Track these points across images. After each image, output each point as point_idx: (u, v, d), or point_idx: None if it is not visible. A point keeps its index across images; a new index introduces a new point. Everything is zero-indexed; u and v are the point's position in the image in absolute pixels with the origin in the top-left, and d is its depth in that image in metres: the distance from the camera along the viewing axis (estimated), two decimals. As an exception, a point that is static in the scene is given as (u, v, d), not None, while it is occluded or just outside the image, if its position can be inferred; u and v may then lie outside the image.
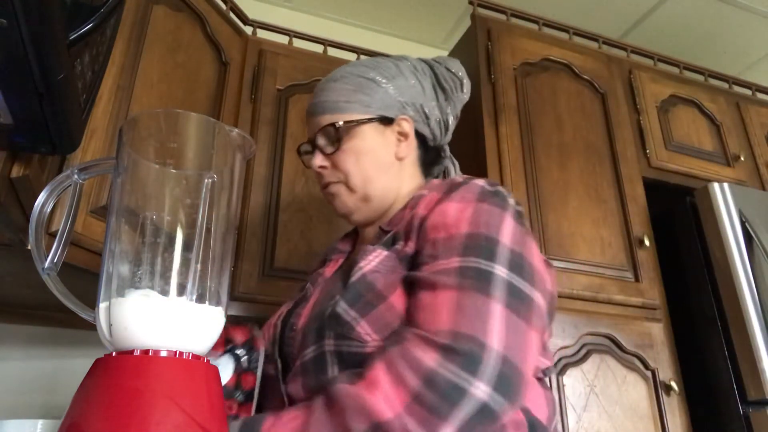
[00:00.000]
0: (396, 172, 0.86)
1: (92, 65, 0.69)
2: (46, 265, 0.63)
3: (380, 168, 0.85)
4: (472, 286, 0.62)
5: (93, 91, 0.76)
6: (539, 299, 0.66)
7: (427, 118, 0.89)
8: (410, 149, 0.88)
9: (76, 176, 0.66)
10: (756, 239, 1.42)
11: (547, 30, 1.74)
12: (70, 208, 0.65)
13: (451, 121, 0.92)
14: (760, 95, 2.06)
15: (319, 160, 0.86)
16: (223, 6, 1.49)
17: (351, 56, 1.75)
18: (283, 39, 1.67)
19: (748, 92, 2.05)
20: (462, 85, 0.92)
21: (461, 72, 0.92)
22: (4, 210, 0.74)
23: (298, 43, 1.68)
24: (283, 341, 0.79)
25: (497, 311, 0.60)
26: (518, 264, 0.66)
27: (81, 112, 0.69)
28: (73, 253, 0.96)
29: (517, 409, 0.61)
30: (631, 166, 1.60)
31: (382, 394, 0.57)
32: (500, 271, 0.64)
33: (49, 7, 0.47)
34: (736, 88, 2.03)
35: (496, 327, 0.59)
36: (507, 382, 0.57)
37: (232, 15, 1.53)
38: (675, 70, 1.94)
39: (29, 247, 0.64)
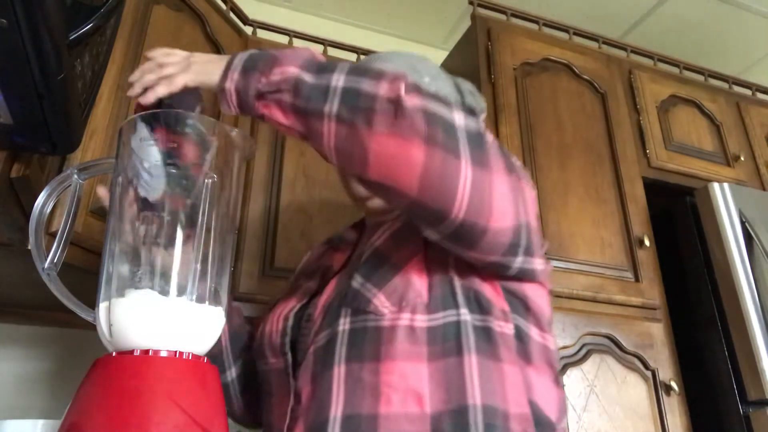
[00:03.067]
0: None
1: (92, 65, 0.69)
2: (46, 265, 0.63)
3: None
4: None
5: (93, 91, 0.76)
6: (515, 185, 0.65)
7: None
8: None
9: (76, 176, 0.66)
10: (756, 239, 1.42)
11: (547, 30, 1.74)
12: (70, 208, 0.65)
13: None
14: (760, 95, 2.06)
15: None
16: (223, 6, 1.49)
17: (351, 56, 1.75)
18: (283, 39, 1.67)
19: (748, 92, 2.05)
20: (482, 108, 0.93)
21: (483, 102, 0.93)
22: (4, 210, 0.74)
23: (298, 43, 1.68)
24: (299, 332, 0.77)
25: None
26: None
27: (81, 112, 0.69)
28: (72, 253, 0.96)
29: (471, 186, 0.58)
30: (631, 166, 1.60)
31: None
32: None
33: (49, 7, 0.47)
34: (736, 88, 2.03)
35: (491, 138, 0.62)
36: (480, 143, 0.59)
37: (232, 15, 1.53)
38: (675, 70, 1.94)
39: (29, 247, 0.64)
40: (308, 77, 0.61)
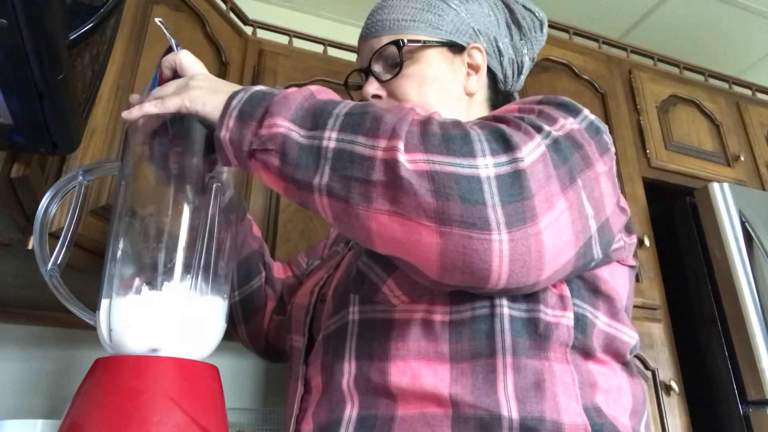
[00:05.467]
0: (464, 110, 0.73)
1: (92, 65, 0.69)
2: (49, 266, 0.63)
3: (447, 101, 0.72)
4: (518, 121, 0.53)
5: (93, 91, 0.76)
6: (581, 193, 0.52)
7: (500, 54, 0.77)
8: (480, 85, 0.76)
9: (80, 177, 0.66)
10: (756, 239, 1.42)
11: (547, 30, 1.74)
12: (74, 209, 0.65)
13: (527, 64, 0.81)
14: (760, 95, 2.06)
15: (373, 87, 0.73)
16: (223, 6, 1.49)
17: (351, 56, 1.75)
18: (283, 39, 1.67)
19: (748, 92, 2.05)
20: (541, 25, 0.81)
21: (541, 12, 0.81)
22: (4, 210, 0.74)
23: (298, 43, 1.68)
24: (315, 314, 0.71)
25: (539, 141, 0.51)
26: (574, 140, 0.55)
27: (81, 112, 0.69)
28: (72, 254, 0.96)
29: (508, 256, 0.46)
30: (631, 166, 1.59)
31: (404, 105, 0.54)
32: (551, 128, 0.53)
33: (49, 7, 0.47)
34: (736, 88, 2.03)
35: (534, 144, 0.50)
36: (516, 189, 0.47)
37: (232, 15, 1.53)
38: (675, 70, 1.94)
39: (30, 247, 0.64)
40: (297, 135, 0.52)
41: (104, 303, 0.59)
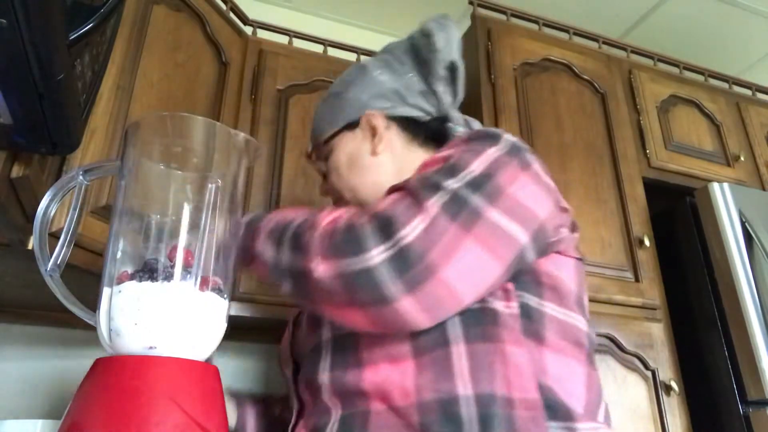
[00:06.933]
0: (376, 169, 0.82)
1: (92, 65, 0.69)
2: (49, 266, 0.63)
3: (359, 173, 0.83)
4: (416, 189, 0.61)
5: (93, 91, 0.76)
6: (498, 219, 0.60)
7: (402, 97, 0.83)
8: (389, 139, 0.83)
9: (81, 177, 0.66)
10: (756, 239, 1.42)
11: (547, 30, 1.74)
12: (74, 209, 0.65)
13: (441, 88, 0.84)
14: (760, 95, 2.06)
15: (322, 189, 0.91)
16: (223, 6, 1.49)
17: (351, 56, 1.75)
18: (283, 39, 1.67)
19: (748, 92, 2.05)
20: (430, 43, 0.83)
21: (431, 28, 0.83)
22: (4, 210, 0.74)
23: (298, 43, 1.68)
24: (296, 336, 0.83)
25: (428, 208, 0.59)
26: (478, 183, 0.61)
27: (81, 112, 0.69)
28: (73, 254, 0.96)
29: (422, 308, 0.57)
30: (631, 166, 1.59)
31: (322, 216, 0.65)
32: (451, 183, 0.61)
33: (49, 7, 0.47)
34: (736, 88, 2.03)
35: (418, 220, 0.58)
36: (405, 262, 0.56)
37: (232, 15, 1.53)
38: (675, 70, 1.94)
39: (30, 247, 0.64)
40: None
41: (104, 302, 0.59)
